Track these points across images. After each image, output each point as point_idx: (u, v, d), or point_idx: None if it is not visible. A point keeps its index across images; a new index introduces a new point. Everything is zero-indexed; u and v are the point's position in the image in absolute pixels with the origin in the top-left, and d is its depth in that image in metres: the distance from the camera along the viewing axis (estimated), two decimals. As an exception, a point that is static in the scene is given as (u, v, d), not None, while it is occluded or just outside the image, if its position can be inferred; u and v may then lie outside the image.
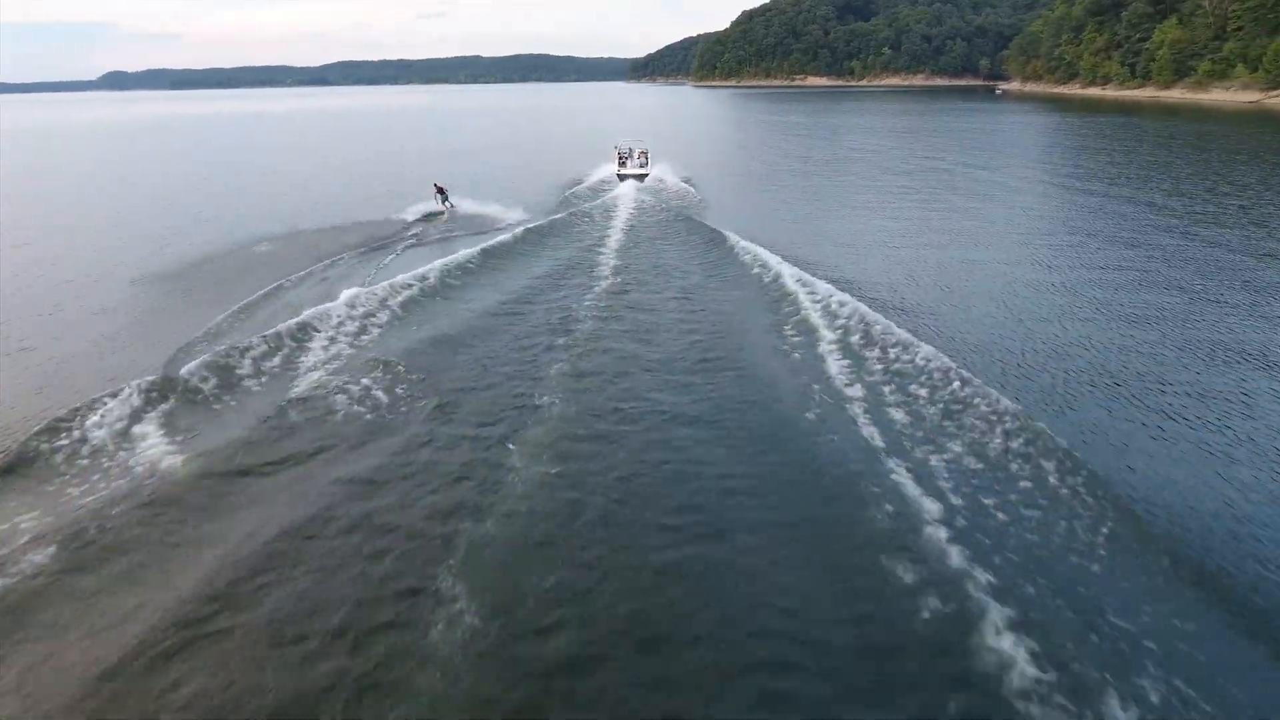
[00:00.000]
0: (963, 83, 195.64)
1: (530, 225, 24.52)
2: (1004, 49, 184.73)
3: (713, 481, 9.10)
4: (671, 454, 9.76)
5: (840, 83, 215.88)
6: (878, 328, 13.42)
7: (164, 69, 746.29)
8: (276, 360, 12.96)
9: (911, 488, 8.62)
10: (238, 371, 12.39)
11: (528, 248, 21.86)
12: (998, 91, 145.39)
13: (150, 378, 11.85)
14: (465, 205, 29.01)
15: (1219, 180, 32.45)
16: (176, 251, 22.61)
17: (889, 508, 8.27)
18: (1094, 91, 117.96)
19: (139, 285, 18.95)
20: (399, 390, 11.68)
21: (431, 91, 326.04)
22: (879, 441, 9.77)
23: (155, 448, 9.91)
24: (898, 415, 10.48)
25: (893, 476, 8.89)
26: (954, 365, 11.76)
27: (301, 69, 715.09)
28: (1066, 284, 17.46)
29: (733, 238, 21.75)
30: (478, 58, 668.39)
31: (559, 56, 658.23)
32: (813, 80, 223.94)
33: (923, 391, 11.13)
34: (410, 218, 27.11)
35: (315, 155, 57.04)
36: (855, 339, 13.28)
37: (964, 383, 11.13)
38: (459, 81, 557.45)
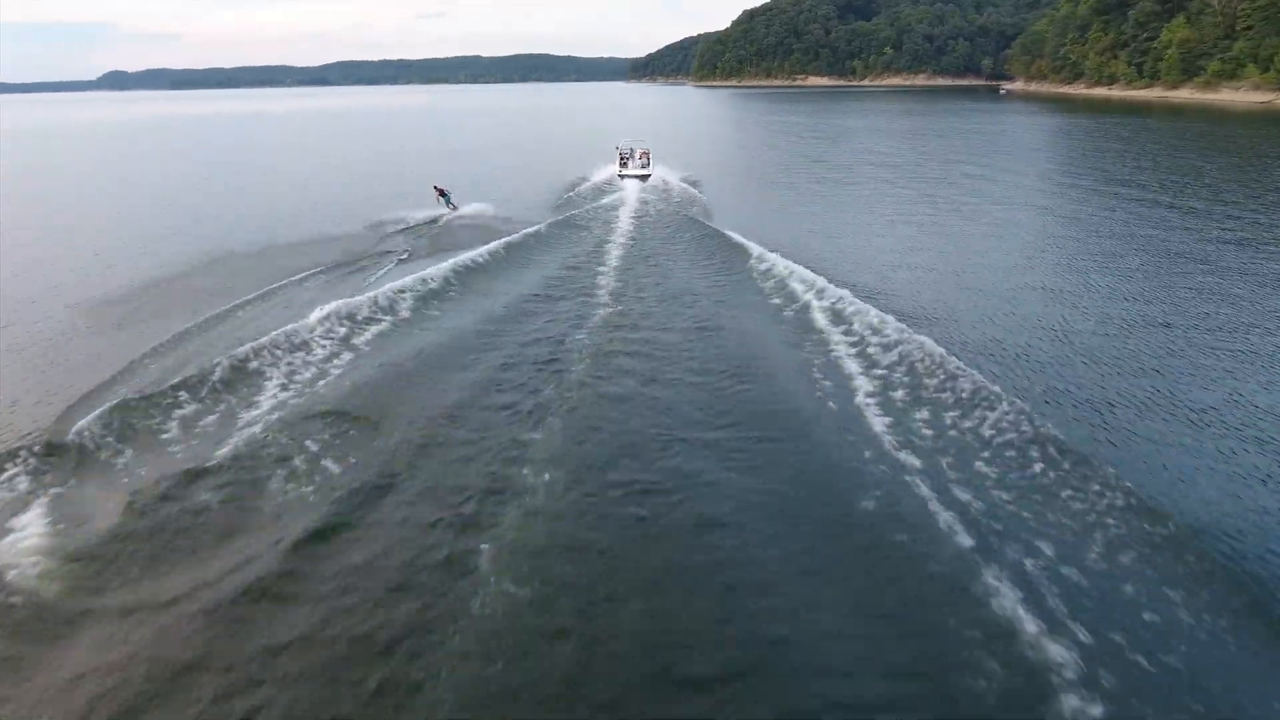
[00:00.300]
0: (965, 83, 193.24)
1: (526, 234, 22.33)
2: (1006, 49, 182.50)
3: (766, 620, 6.47)
4: (701, 565, 7.23)
5: (842, 83, 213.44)
6: (932, 381, 11.08)
7: (164, 69, 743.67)
8: (209, 412, 10.66)
9: (1028, 628, 6.25)
10: (162, 435, 10.02)
11: (518, 264, 19.55)
12: (1002, 91, 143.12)
13: (44, 441, 9.63)
14: (464, 208, 27.30)
15: (1259, 187, 30.28)
16: (152, 261, 20.94)
17: (1001, 669, 5.89)
18: (1100, 91, 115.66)
19: (79, 310, 16.71)
20: (352, 459, 9.36)
21: (431, 91, 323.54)
22: (964, 537, 7.48)
23: (20, 548, 7.64)
24: (977, 501, 8.18)
25: (995, 605, 6.55)
26: (1031, 426, 9.52)
27: (301, 69, 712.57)
28: (1146, 317, 14.86)
29: (749, 250, 19.56)
30: (478, 58, 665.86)
31: (559, 56, 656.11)
32: (814, 80, 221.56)
33: (991, 471, 8.77)
34: (402, 226, 25.11)
35: (315, 155, 56.06)
36: (900, 394, 10.97)
37: (1048, 462, 8.83)
38: (459, 81, 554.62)
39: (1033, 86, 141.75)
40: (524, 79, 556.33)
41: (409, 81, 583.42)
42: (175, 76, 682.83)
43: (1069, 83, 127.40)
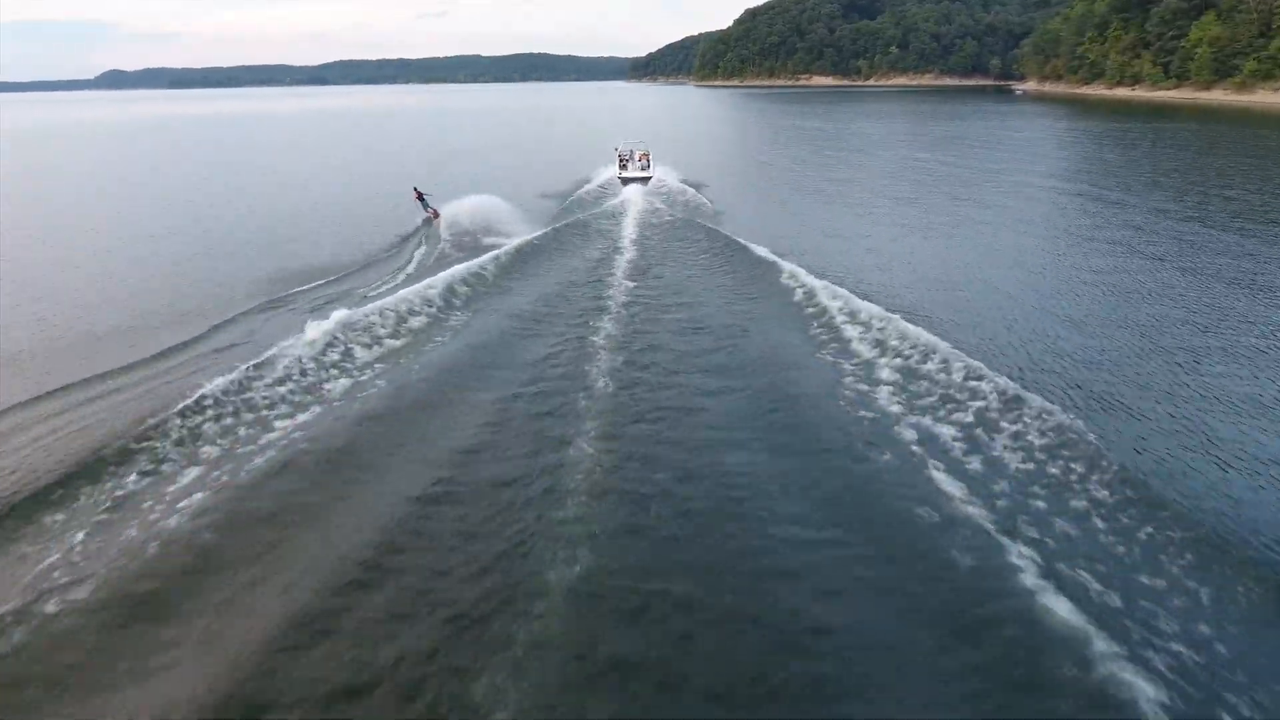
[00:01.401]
0: (972, 83, 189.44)
1: (528, 240, 20.59)
2: (1014, 48, 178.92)
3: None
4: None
5: (846, 82, 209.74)
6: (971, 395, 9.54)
7: (163, 68, 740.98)
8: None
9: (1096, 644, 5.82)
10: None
11: (520, 274, 17.61)
12: (1018, 92, 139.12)
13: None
14: (456, 213, 24.88)
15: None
16: (152, 264, 20.43)
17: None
18: (1122, 92, 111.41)
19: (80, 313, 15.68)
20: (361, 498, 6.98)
21: (431, 91, 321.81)
22: (1029, 571, 6.66)
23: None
24: (1023, 514, 7.59)
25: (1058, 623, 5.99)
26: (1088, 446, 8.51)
27: (300, 68, 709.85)
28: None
29: (765, 260, 17.49)
30: (477, 57, 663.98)
31: (559, 56, 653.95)
32: (818, 80, 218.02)
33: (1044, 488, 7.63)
34: (402, 231, 23.71)
35: (314, 155, 55.97)
36: (942, 411, 9.32)
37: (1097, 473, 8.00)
38: (458, 81, 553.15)
39: (1047, 87, 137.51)
40: (524, 79, 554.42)
41: (408, 81, 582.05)
42: (174, 76, 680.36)
43: (1087, 83, 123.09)
